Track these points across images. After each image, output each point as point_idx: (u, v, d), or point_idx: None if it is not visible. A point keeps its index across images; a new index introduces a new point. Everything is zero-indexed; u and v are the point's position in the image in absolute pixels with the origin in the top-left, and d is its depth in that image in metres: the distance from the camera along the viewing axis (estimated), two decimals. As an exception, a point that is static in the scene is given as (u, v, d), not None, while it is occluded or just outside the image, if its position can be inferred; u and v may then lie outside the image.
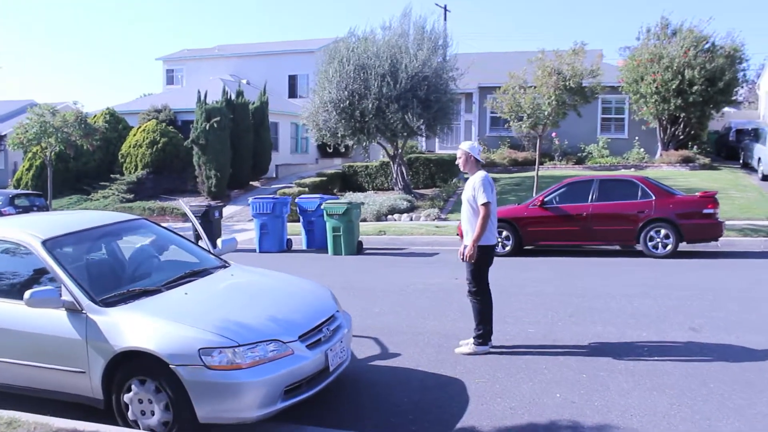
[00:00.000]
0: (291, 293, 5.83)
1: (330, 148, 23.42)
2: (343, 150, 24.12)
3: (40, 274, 5.43)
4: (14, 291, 5.40)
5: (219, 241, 6.82)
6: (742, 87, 31.61)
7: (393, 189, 23.52)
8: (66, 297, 5.05)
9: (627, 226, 12.94)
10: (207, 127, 24.91)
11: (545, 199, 13.53)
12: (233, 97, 27.04)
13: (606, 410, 5.18)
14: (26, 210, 20.65)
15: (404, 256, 14.22)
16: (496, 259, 6.96)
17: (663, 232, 12.68)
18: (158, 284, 5.53)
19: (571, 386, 5.71)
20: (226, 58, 39.79)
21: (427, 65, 20.68)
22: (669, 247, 12.65)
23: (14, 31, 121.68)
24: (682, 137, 25.95)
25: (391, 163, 23.27)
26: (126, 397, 4.85)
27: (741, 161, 25.83)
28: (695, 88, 23.42)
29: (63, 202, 26.69)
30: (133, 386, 4.82)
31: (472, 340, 6.72)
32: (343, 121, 20.93)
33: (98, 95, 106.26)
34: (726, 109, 28.48)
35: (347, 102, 20.61)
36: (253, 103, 28.32)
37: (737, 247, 13.70)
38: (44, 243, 5.38)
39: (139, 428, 4.83)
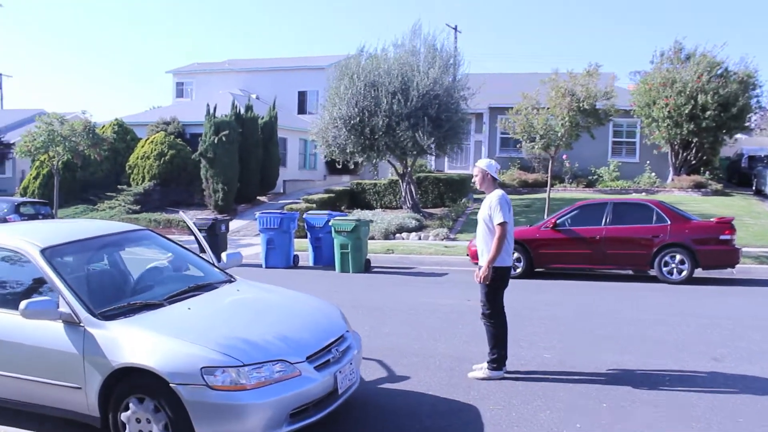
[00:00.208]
0: (299, 311, 5.56)
1: (339, 164, 23.19)
2: (352, 167, 23.90)
3: (38, 284, 5.20)
4: (10, 301, 5.16)
5: (224, 255, 6.59)
6: (755, 113, 31.37)
7: (401, 207, 23.27)
8: (63, 309, 4.81)
9: (641, 251, 12.66)
10: (215, 141, 24.76)
11: (558, 222, 13.27)
12: (242, 111, 26.92)
13: (630, 444, 4.91)
14: (31, 218, 20.46)
15: (413, 275, 13.95)
16: None
17: (678, 257, 12.40)
18: (160, 298, 5.28)
19: (591, 416, 5.43)
20: (236, 73, 39.78)
21: (439, 84, 20.51)
22: (684, 273, 12.35)
23: (25, 42, 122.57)
24: (693, 162, 25.71)
25: (400, 181, 23.05)
26: (123, 416, 4.60)
27: (754, 188, 25.57)
28: (708, 113, 23.22)
29: (69, 211, 26.52)
30: (131, 404, 4.56)
31: (486, 365, 6.45)
32: (352, 137, 20.74)
33: (108, 107, 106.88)
34: (738, 135, 28.27)
35: (357, 119, 20.44)
36: (262, 118, 28.19)
37: (753, 274, 13.39)
38: (43, 252, 5.15)
39: (136, 449, 4.57)
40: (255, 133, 26.93)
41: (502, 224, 6.19)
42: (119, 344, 4.59)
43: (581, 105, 17.17)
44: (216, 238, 15.13)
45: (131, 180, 27.77)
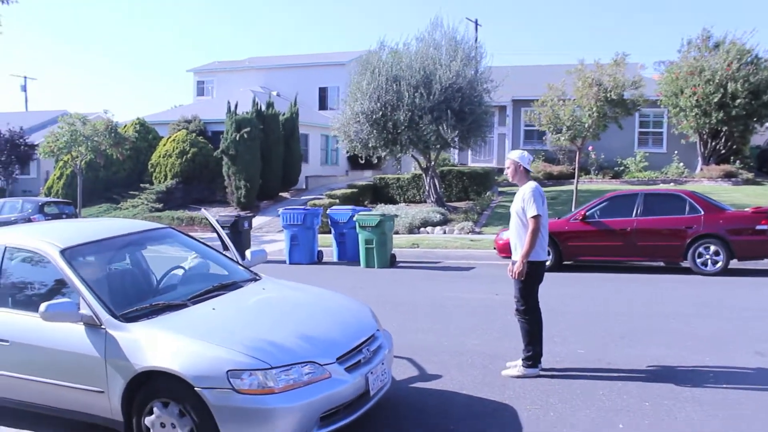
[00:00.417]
0: (328, 310, 5.36)
1: (362, 160, 23.03)
2: (375, 162, 23.71)
3: (58, 286, 5.05)
4: (31, 303, 5.03)
5: (248, 253, 6.39)
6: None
7: (425, 201, 23.05)
8: (84, 310, 4.65)
9: (674, 242, 12.31)
10: (237, 138, 24.69)
11: (587, 213, 12.96)
12: (263, 108, 26.82)
13: (678, 446, 4.65)
14: (55, 218, 20.53)
15: (439, 269, 13.72)
16: None
17: (713, 248, 12.04)
18: (184, 298, 5.11)
19: (633, 416, 5.18)
20: (256, 70, 39.71)
21: (461, 76, 20.25)
22: (719, 265, 11.99)
23: (48, 44, 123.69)
24: (723, 152, 25.18)
25: (424, 175, 22.82)
26: (147, 421, 4.43)
27: (786, 177, 25.01)
28: (738, 101, 22.70)
29: (92, 210, 26.61)
30: (155, 409, 4.39)
31: (520, 362, 6.21)
32: (375, 132, 20.55)
33: (130, 107, 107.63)
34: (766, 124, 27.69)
35: (380, 113, 20.23)
36: (284, 115, 28.08)
37: (790, 265, 12.98)
38: (63, 252, 5.00)
39: (161, 455, 4.40)
40: (276, 129, 26.83)
41: (536, 217, 5.95)
42: (142, 347, 4.42)
43: (609, 95, 16.80)
44: (239, 235, 15.00)
45: (153, 178, 27.82)
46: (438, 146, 20.93)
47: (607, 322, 8.31)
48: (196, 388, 4.17)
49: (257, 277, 5.94)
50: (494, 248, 14.02)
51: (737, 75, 22.79)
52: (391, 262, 14.24)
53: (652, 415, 5.18)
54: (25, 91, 55.04)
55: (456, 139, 20.43)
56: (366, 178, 30.62)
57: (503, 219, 20.25)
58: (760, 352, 6.77)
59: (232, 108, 25.50)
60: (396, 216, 16.26)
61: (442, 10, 34.96)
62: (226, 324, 4.74)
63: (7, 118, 35.26)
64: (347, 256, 15.27)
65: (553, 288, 10.44)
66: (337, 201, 22.43)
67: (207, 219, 7.56)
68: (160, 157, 27.82)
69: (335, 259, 15.50)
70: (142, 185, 27.35)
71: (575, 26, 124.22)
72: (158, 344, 4.41)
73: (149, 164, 28.33)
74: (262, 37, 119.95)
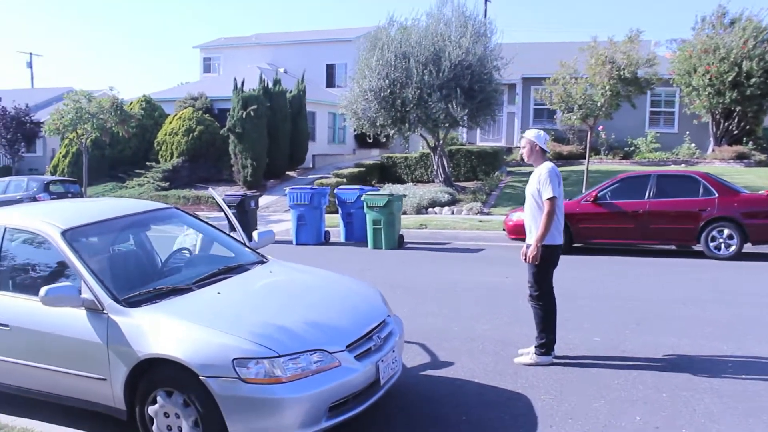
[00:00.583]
0: (337, 295, 5.19)
1: (370, 138, 22.76)
2: (383, 140, 23.44)
3: (59, 268, 4.90)
4: (32, 286, 4.87)
5: (255, 234, 6.21)
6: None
7: (433, 181, 22.83)
8: (86, 295, 4.50)
9: (687, 225, 12.09)
10: (243, 116, 24.46)
11: (598, 195, 12.73)
12: (270, 85, 26.55)
13: (699, 440, 4.49)
14: (61, 197, 20.45)
15: (448, 251, 13.54)
16: None
17: (726, 232, 11.82)
18: (189, 282, 4.94)
19: (650, 407, 5.02)
20: (263, 47, 39.35)
21: (471, 53, 19.94)
22: (733, 249, 11.78)
23: (54, 20, 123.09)
24: (736, 132, 24.83)
25: (432, 154, 22.58)
26: (151, 410, 4.29)
27: (800, 158, 24.66)
28: (753, 80, 22.33)
29: (98, 189, 26.50)
30: (158, 398, 4.25)
31: (533, 350, 6.04)
32: (383, 110, 20.30)
33: (136, 84, 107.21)
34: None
35: (388, 91, 19.96)
36: (291, 92, 27.81)
37: (806, 249, 12.76)
38: (64, 233, 4.84)
39: (165, 446, 4.26)
40: (283, 107, 26.58)
41: (552, 199, 5.74)
42: (145, 333, 4.27)
43: (622, 73, 16.47)
44: (245, 214, 14.84)
45: (159, 157, 27.66)
46: (447, 125, 20.68)
47: (621, 307, 8.13)
48: (200, 377, 4.02)
49: (264, 260, 5.78)
50: (504, 230, 13.82)
51: (753, 53, 22.39)
52: (399, 243, 14.07)
53: (670, 407, 5.02)
54: (30, 67, 54.81)
55: (465, 117, 20.17)
56: (373, 157, 30.39)
57: (512, 199, 20.07)
58: (780, 341, 6.60)
59: (239, 85, 25.25)
60: (404, 196, 16.07)
61: None
62: (232, 309, 4.57)
63: (12, 95, 35.06)
64: (354, 236, 15.11)
65: (563, 271, 10.17)
66: (345, 180, 22.23)
67: (214, 198, 7.40)
68: (166, 135, 27.64)
69: (342, 240, 15.34)
70: (148, 164, 27.20)
71: (585, 3, 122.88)
72: (162, 330, 4.25)
73: (155, 142, 28.16)
74: (269, 12, 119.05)
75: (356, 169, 24.77)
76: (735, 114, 24.42)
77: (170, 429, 4.25)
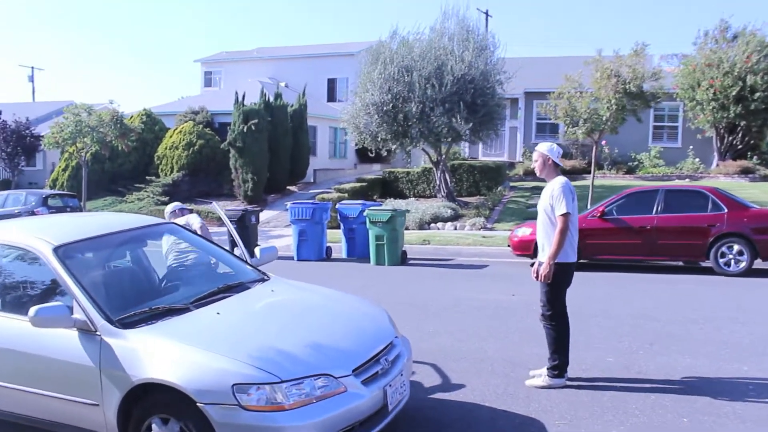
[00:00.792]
0: (342, 315, 4.95)
1: (372, 153, 22.57)
2: (385, 154, 23.24)
3: (51, 287, 4.68)
4: (22, 305, 4.63)
5: (257, 250, 5.98)
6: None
7: (435, 196, 22.61)
8: (78, 315, 4.26)
9: (696, 241, 11.86)
10: (244, 129, 24.29)
11: (605, 210, 12.51)
12: (271, 99, 26.40)
13: (726, 470, 4.24)
14: (59, 211, 20.23)
15: (452, 267, 13.30)
16: None
17: (736, 248, 11.59)
18: (186, 301, 4.71)
19: (672, 434, 4.78)
20: (264, 61, 39.27)
21: (474, 67, 19.79)
22: (743, 265, 11.55)
23: (56, 34, 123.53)
24: (740, 147, 24.63)
25: (434, 169, 22.38)
26: (145, 438, 4.03)
27: (804, 173, 24.44)
28: (757, 94, 22.16)
29: (98, 203, 26.30)
30: (153, 425, 4.01)
31: (545, 371, 5.79)
32: (385, 124, 20.11)
33: (137, 98, 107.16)
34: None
35: (390, 105, 19.78)
36: (292, 106, 27.65)
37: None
38: (56, 250, 4.60)
39: (160, 477, 4.01)
40: (284, 121, 26.42)
41: (565, 215, 5.52)
42: (140, 356, 4.03)
43: (628, 87, 16.29)
44: (246, 229, 14.61)
45: (160, 171, 27.47)
46: (449, 139, 20.48)
47: (633, 326, 7.89)
48: (198, 404, 3.78)
49: (266, 277, 5.54)
50: (508, 245, 13.59)
51: (756, 68, 22.24)
52: (402, 260, 13.83)
53: (693, 433, 4.78)
54: (32, 81, 54.81)
55: (468, 131, 19.96)
56: (375, 171, 30.20)
57: (515, 215, 19.86)
58: (801, 362, 6.35)
59: (240, 99, 25.09)
60: (407, 211, 15.86)
61: (448, 2, 34.05)
62: (232, 331, 4.34)
63: (13, 108, 34.93)
64: (356, 252, 14.88)
65: (571, 288, 10.03)
66: (346, 195, 22.01)
67: (215, 212, 7.23)
68: (166, 149, 27.47)
69: (344, 256, 15.11)
70: (148, 177, 27.00)
71: (585, 18, 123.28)
72: (158, 353, 4.02)
73: (155, 156, 27.97)
74: (270, 27, 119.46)
75: (358, 184, 24.57)
76: (739, 128, 24.24)
77: (166, 458, 4.00)
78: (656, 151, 26.04)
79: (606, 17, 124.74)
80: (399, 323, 5.27)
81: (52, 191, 23.77)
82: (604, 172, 25.55)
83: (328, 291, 5.50)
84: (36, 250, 4.67)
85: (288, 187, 27.77)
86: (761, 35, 23.27)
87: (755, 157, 24.54)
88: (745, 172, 23.48)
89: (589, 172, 21.58)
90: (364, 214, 14.07)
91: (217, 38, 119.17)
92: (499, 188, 23.19)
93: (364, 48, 24.83)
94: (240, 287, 5.18)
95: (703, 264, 12.18)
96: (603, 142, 24.23)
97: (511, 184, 25.45)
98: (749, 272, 11.48)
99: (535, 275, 5.71)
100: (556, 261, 5.57)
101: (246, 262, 5.76)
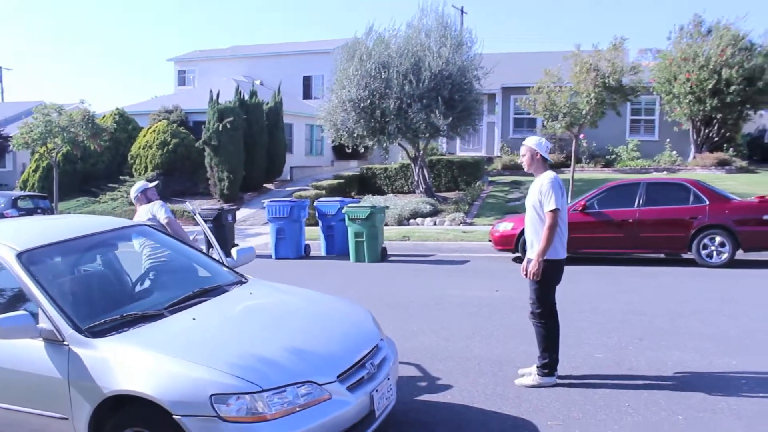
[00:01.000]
0: (325, 317, 4.73)
1: (349, 149, 22.35)
2: (362, 151, 23.02)
3: (15, 295, 4.40)
4: (-17, 314, 4.34)
5: (234, 251, 5.73)
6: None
7: (414, 192, 22.45)
8: (44, 324, 3.99)
9: (678, 233, 11.82)
10: (219, 128, 23.92)
11: (587, 204, 12.41)
12: (246, 97, 26.07)
13: (727, 471, 4.09)
14: (29, 212, 19.75)
15: (432, 263, 13.12)
16: None
17: (718, 239, 11.57)
18: (160, 306, 4.45)
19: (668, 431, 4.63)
20: (239, 59, 38.87)
21: (451, 63, 19.66)
22: (725, 256, 11.53)
23: (25, 34, 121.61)
24: (716, 139, 24.78)
25: (412, 165, 22.21)
26: (118, 453, 3.79)
27: (780, 164, 24.67)
28: (733, 87, 22.29)
29: (70, 204, 25.79)
30: (127, 439, 3.75)
31: (535, 370, 5.62)
32: (362, 121, 19.90)
33: (110, 98, 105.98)
34: (761, 111, 27.33)
35: (367, 101, 19.57)
36: (267, 104, 27.34)
37: (797, 256, 12.51)
38: (19, 256, 4.32)
39: (134, 494, 3.77)
40: (260, 119, 26.11)
41: (555, 211, 5.35)
42: (111, 366, 3.78)
43: (607, 81, 16.22)
44: (222, 228, 14.33)
45: (134, 170, 27.01)
46: (427, 135, 20.32)
47: (622, 321, 7.76)
48: (174, 416, 3.54)
49: (244, 279, 5.30)
50: (490, 240, 13.45)
51: (731, 61, 22.37)
52: (382, 256, 13.63)
53: (689, 431, 4.63)
54: (0, 82, 53.81)
55: (446, 127, 19.82)
56: (352, 168, 29.99)
57: (495, 209, 19.76)
58: (792, 355, 6.25)
59: (215, 97, 24.72)
60: (386, 207, 15.66)
61: None
62: (209, 338, 4.10)
63: (-19, 109, 34.23)
64: (336, 249, 14.65)
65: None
66: (324, 192, 21.78)
67: (190, 212, 6.96)
68: (140, 148, 27.01)
69: (323, 253, 14.88)
70: (121, 177, 26.53)
71: (558, 15, 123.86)
72: (130, 363, 3.77)
73: (129, 156, 27.50)
74: (244, 25, 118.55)
75: (335, 181, 24.34)
76: (715, 121, 24.38)
77: (140, 474, 3.75)
78: (634, 145, 26.11)
79: (578, 13, 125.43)
80: (381, 322, 5.07)
81: (22, 192, 23.22)
82: (582, 165, 25.57)
83: (310, 292, 5.28)
84: (-2, 256, 4.39)
85: (265, 185, 27.45)
86: (735, 29, 23.38)
87: (731, 149, 24.70)
88: (721, 164, 23.60)
89: (568, 166, 21.54)
90: (343, 211, 13.85)
91: (191, 37, 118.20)
92: (477, 183, 23.08)
93: (339, 45, 24.56)
94: (217, 290, 4.94)
95: (685, 256, 12.14)
96: (581, 136, 24.25)
97: (490, 179, 25.37)
98: (731, 263, 11.46)
99: (524, 272, 5.54)
100: (545, 258, 5.40)
101: (222, 263, 5.52)
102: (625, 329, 7.36)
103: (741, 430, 4.63)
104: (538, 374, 5.59)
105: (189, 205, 7.23)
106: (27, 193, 23.53)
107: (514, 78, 26.99)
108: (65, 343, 3.93)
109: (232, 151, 24.25)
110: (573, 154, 19.06)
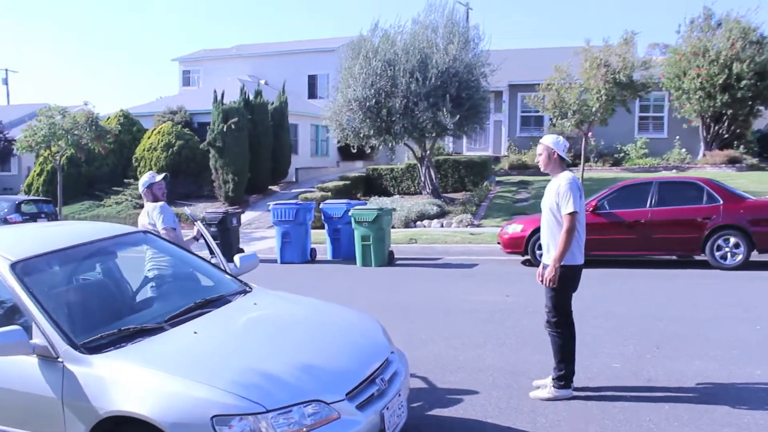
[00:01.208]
0: (333, 329, 4.50)
1: (354, 149, 22.13)
2: (368, 151, 22.77)
3: (9, 308, 4.19)
4: (-26, 329, 4.14)
5: (236, 258, 5.51)
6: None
7: (421, 193, 22.21)
8: (37, 340, 3.79)
9: (691, 234, 11.58)
10: (224, 129, 23.71)
11: (597, 204, 12.16)
12: (251, 97, 25.84)
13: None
14: (33, 217, 19.58)
15: (440, 267, 12.90)
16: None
17: (732, 240, 11.32)
18: (160, 319, 4.25)
19: (693, 450, 4.40)
20: (244, 59, 38.67)
21: (459, 60, 19.39)
22: (739, 258, 11.28)
23: (30, 36, 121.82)
24: (726, 136, 24.46)
25: (419, 165, 21.97)
26: (115, 477, 3.58)
27: (790, 162, 24.34)
28: (744, 82, 21.96)
29: (74, 208, 25.63)
30: (124, 462, 3.55)
31: (550, 382, 5.40)
32: (368, 120, 19.65)
33: (115, 99, 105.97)
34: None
35: (373, 100, 19.33)
36: (272, 104, 27.11)
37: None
38: (13, 266, 4.11)
39: None
40: (265, 119, 25.88)
41: (573, 214, 5.13)
42: (107, 385, 3.57)
43: (617, 76, 15.93)
44: (227, 232, 14.15)
45: (138, 173, 26.80)
46: (434, 134, 20.08)
47: (637, 327, 7.52)
48: (173, 439, 3.34)
49: (248, 289, 5.09)
50: (498, 243, 13.23)
51: (742, 55, 22.04)
52: (389, 260, 13.41)
53: (716, 449, 4.41)
54: (6, 84, 53.80)
55: (453, 125, 19.55)
56: (358, 169, 29.76)
57: (502, 210, 19.50)
58: (818, 363, 6.01)
59: (219, 98, 24.50)
60: (393, 209, 15.44)
61: None
62: (211, 353, 3.89)
63: (-14, 112, 34.15)
64: (342, 253, 14.44)
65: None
66: (329, 194, 21.55)
67: (188, 216, 6.73)
68: (144, 150, 26.84)
69: (329, 257, 14.66)
70: (126, 180, 26.36)
71: (564, 10, 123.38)
72: (127, 382, 3.56)
73: (133, 158, 27.33)
74: (249, 24, 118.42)
75: (341, 182, 24.11)
76: (725, 117, 24.06)
77: (138, 500, 3.54)
78: (642, 142, 25.81)
79: (585, 8, 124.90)
80: (389, 330, 4.84)
81: (26, 197, 23.05)
82: (591, 164, 25.28)
83: (317, 302, 5.07)
84: (-10, 267, 4.19)
85: (270, 187, 27.24)
86: (745, 22, 23.05)
87: (741, 146, 24.36)
88: (732, 161, 23.29)
89: (576, 165, 21.23)
90: (349, 213, 13.63)
91: (195, 37, 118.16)
92: (485, 183, 22.82)
93: (344, 43, 24.34)
94: (220, 301, 4.74)
95: (698, 258, 11.90)
96: (590, 134, 24.00)
97: (497, 178, 25.11)
98: (745, 265, 11.22)
99: (540, 278, 5.32)
100: (563, 263, 5.18)
101: (225, 271, 5.31)
102: (641, 336, 7.12)
103: (770, 447, 4.40)
104: (553, 386, 5.36)
105: (187, 210, 7.00)
106: (31, 197, 23.35)
107: (521, 75, 26.73)
108: (60, 360, 3.73)
109: (237, 152, 24.05)
110: (583, 153, 18.78)
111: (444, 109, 18.47)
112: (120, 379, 3.58)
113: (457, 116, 18.80)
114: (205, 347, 3.96)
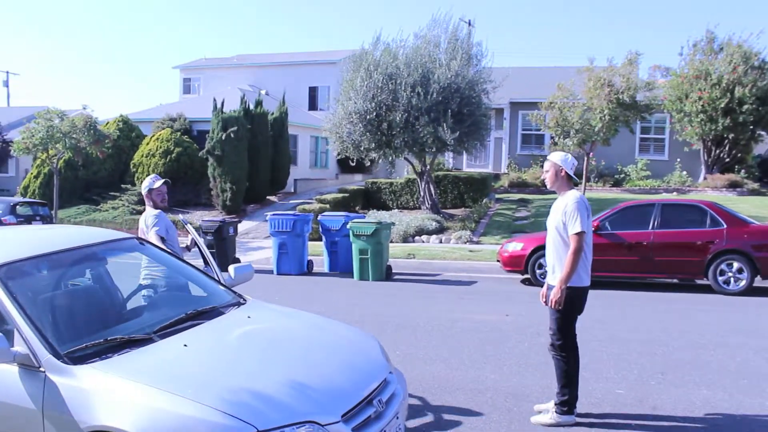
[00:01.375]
0: (329, 347, 4.30)
1: (353, 162, 21.97)
2: (368, 164, 22.61)
3: (-10, 313, 3.98)
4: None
5: (231, 269, 5.31)
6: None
7: (420, 208, 22.03)
8: (19, 347, 3.59)
9: (694, 258, 11.41)
10: (223, 137, 23.55)
11: (599, 225, 11.97)
12: (252, 106, 25.70)
13: None
14: (28, 219, 19.37)
15: (439, 283, 12.70)
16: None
17: (736, 265, 11.14)
18: (149, 330, 4.05)
19: (703, 484, 4.20)
20: (245, 68, 38.62)
21: (460, 76, 19.28)
22: (743, 283, 11.10)
23: (32, 39, 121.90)
24: (727, 160, 24.37)
25: (419, 180, 21.81)
26: (95, 497, 3.37)
27: (790, 187, 24.24)
28: (745, 107, 21.89)
29: (70, 212, 25.41)
30: (105, 484, 3.34)
31: (553, 407, 5.20)
32: (368, 133, 19.51)
33: (115, 104, 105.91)
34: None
35: (374, 114, 19.20)
36: (272, 114, 26.98)
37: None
38: (-4, 270, 3.93)
39: None
40: (265, 129, 25.74)
41: (580, 234, 4.95)
42: (90, 398, 3.37)
43: (621, 96, 15.82)
44: (224, 241, 13.97)
45: (136, 179, 26.66)
46: (434, 149, 19.93)
47: (642, 352, 7.31)
48: (159, 461, 3.14)
49: (242, 301, 4.89)
50: (498, 260, 13.04)
51: (744, 79, 21.99)
52: (387, 275, 13.21)
53: (726, 483, 4.21)
54: (7, 86, 53.67)
55: (454, 141, 19.41)
56: (357, 182, 29.61)
57: (502, 228, 19.33)
58: (827, 394, 5.81)
59: (219, 106, 24.36)
60: (392, 224, 15.24)
61: (438, 10, 33.08)
62: (201, 368, 3.68)
63: (-14, 113, 33.96)
64: (339, 266, 14.24)
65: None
66: (328, 206, 21.38)
67: (181, 223, 6.54)
68: (143, 156, 26.67)
69: (326, 270, 14.46)
70: (123, 186, 26.19)
71: (567, 30, 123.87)
72: (112, 395, 3.36)
73: (131, 164, 27.16)
74: (251, 34, 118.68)
75: (340, 195, 23.95)
76: (726, 141, 23.99)
77: None
78: (643, 164, 25.71)
79: (587, 29, 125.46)
80: (386, 347, 4.65)
81: (21, 199, 22.83)
82: (591, 184, 25.17)
83: (313, 317, 4.87)
84: (-27, 271, 3.99)
85: (268, 197, 27.07)
86: (747, 46, 23.02)
87: (743, 170, 24.27)
88: (733, 185, 23.18)
89: (576, 185, 21.12)
90: (348, 226, 13.44)
91: (197, 45, 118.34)
92: (484, 200, 22.66)
93: (346, 56, 24.24)
94: (212, 313, 4.53)
95: (699, 282, 11.72)
96: (590, 154, 23.90)
97: (497, 196, 24.97)
98: (749, 291, 11.04)
99: (544, 299, 5.13)
100: (569, 285, 4.99)
101: (219, 282, 5.12)
102: (646, 361, 6.92)
103: (783, 483, 4.20)
104: (556, 412, 5.16)
105: (181, 216, 6.82)
106: (26, 199, 23.13)
107: (522, 93, 26.65)
108: (41, 369, 3.54)
109: (235, 161, 23.88)
110: (584, 173, 18.64)
111: (445, 125, 18.35)
112: (104, 392, 3.38)
113: (458, 132, 18.67)
114: (194, 361, 3.75)
